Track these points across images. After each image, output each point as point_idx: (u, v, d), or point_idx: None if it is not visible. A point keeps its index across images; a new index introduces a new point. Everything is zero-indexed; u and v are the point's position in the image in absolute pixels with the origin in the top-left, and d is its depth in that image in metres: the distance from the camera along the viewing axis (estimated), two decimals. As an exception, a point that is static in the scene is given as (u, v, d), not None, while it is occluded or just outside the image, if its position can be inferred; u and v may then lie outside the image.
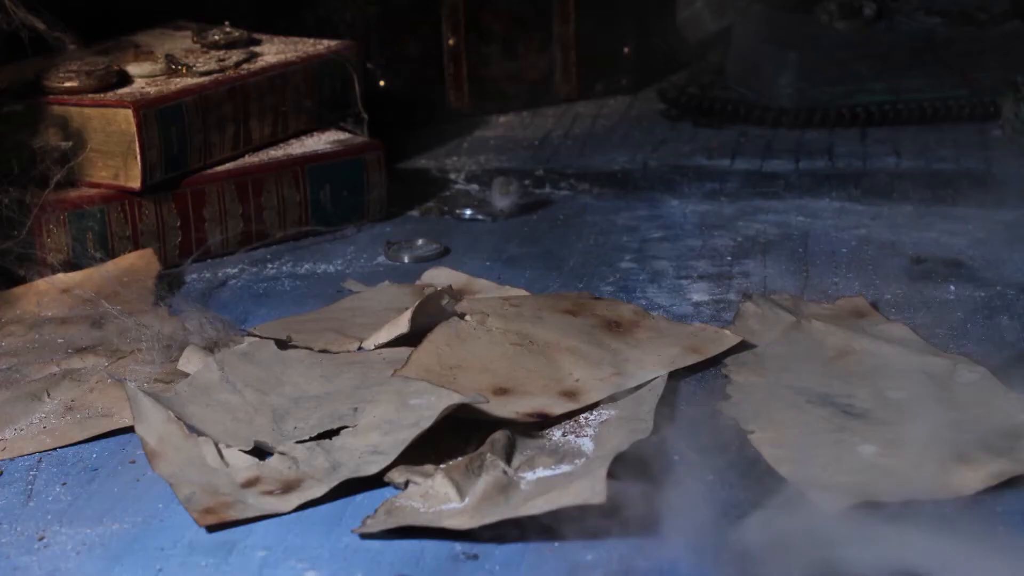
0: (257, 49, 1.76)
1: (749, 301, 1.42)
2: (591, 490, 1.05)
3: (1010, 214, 1.70)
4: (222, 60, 1.69)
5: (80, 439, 1.23)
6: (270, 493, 1.13)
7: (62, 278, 1.52)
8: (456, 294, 1.42)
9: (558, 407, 1.23)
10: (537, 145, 2.00)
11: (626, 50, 2.21)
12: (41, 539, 1.09)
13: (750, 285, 1.52)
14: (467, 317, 1.35)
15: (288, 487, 1.13)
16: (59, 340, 1.41)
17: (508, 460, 1.14)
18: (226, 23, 1.78)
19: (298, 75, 1.73)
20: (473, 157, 1.96)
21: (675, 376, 1.29)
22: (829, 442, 1.17)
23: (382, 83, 2.06)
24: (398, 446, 1.15)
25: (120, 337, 1.39)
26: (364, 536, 1.07)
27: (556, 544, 1.05)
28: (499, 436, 1.16)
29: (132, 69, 1.65)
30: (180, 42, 1.78)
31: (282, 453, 1.17)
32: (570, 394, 1.25)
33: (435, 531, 1.07)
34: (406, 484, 1.13)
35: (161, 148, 1.58)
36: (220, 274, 1.60)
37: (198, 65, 1.67)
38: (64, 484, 1.17)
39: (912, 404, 1.23)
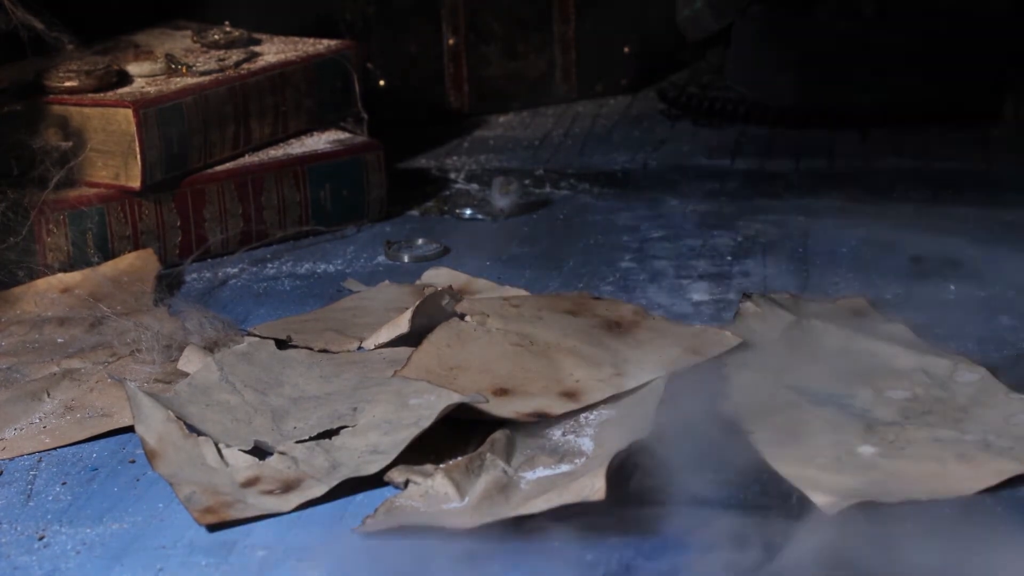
0: (257, 49, 1.76)
1: (749, 301, 1.42)
2: (591, 488, 1.05)
3: (1010, 214, 1.70)
4: (222, 60, 1.69)
5: (80, 439, 1.23)
6: (270, 493, 1.13)
7: (62, 278, 1.52)
8: (456, 294, 1.42)
9: (558, 408, 1.22)
10: (537, 145, 2.00)
11: (626, 50, 2.21)
12: (41, 539, 1.09)
13: (750, 285, 1.52)
14: (467, 317, 1.35)
15: (288, 487, 1.13)
16: (59, 340, 1.41)
17: (508, 460, 1.14)
18: (226, 23, 1.78)
19: (298, 75, 1.73)
20: (473, 157, 1.96)
21: (675, 376, 1.29)
22: (829, 442, 1.17)
23: (382, 83, 2.06)
24: (398, 446, 1.15)
25: (120, 337, 1.39)
26: (364, 536, 1.07)
27: (556, 544, 1.05)
28: (499, 436, 1.16)
29: (132, 69, 1.65)
30: (180, 42, 1.77)
31: (282, 453, 1.16)
32: (570, 395, 1.24)
33: (435, 531, 1.07)
34: (406, 484, 1.13)
35: (161, 148, 1.58)
36: (220, 274, 1.60)
37: (198, 65, 1.67)
38: (64, 484, 1.17)
39: (912, 404, 1.23)
